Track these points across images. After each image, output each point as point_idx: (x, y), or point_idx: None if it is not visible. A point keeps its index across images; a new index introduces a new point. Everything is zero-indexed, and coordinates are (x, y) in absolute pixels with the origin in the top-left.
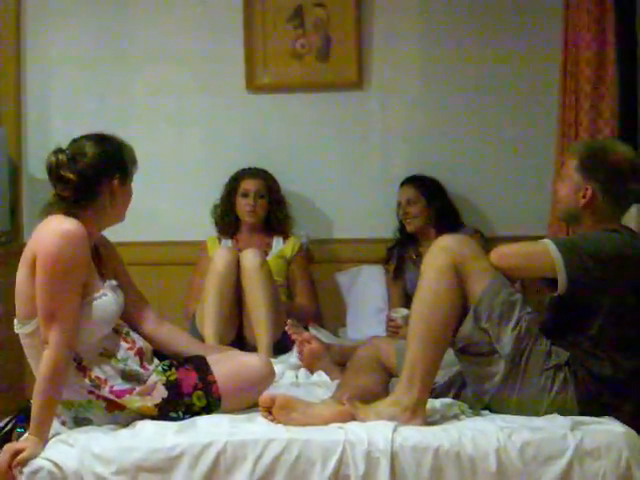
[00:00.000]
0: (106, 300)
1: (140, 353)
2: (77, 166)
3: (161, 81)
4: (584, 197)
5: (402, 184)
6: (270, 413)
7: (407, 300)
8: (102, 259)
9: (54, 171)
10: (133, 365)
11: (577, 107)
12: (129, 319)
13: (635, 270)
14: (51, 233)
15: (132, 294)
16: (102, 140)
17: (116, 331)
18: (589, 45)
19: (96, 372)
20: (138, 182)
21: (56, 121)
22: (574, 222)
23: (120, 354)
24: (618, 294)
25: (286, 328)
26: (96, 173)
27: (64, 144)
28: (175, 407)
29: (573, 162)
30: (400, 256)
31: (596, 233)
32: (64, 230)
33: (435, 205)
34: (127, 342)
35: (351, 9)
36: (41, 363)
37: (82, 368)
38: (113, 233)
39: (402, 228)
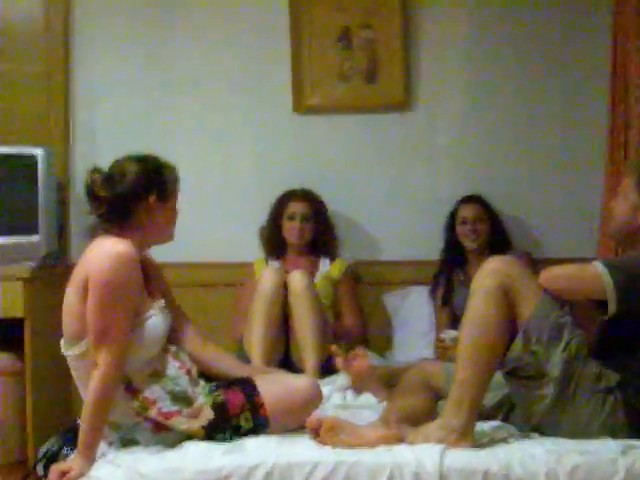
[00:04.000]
0: (156, 320)
1: (189, 373)
2: (112, 184)
3: (208, 103)
4: None
5: (465, 201)
6: (318, 435)
7: (455, 323)
8: (150, 279)
9: (88, 190)
10: (183, 384)
11: (626, 128)
12: (174, 340)
13: None
14: (104, 255)
15: (176, 314)
16: (141, 159)
17: (165, 351)
18: (638, 64)
19: (145, 393)
20: (185, 203)
21: (103, 143)
22: (627, 241)
23: (171, 373)
24: None
25: (332, 348)
26: (131, 191)
27: (109, 165)
28: (222, 429)
29: (629, 181)
30: (448, 280)
31: None
32: (116, 252)
33: (494, 226)
34: (177, 361)
35: (398, 30)
36: (90, 384)
37: (131, 389)
38: (160, 253)
39: (451, 248)
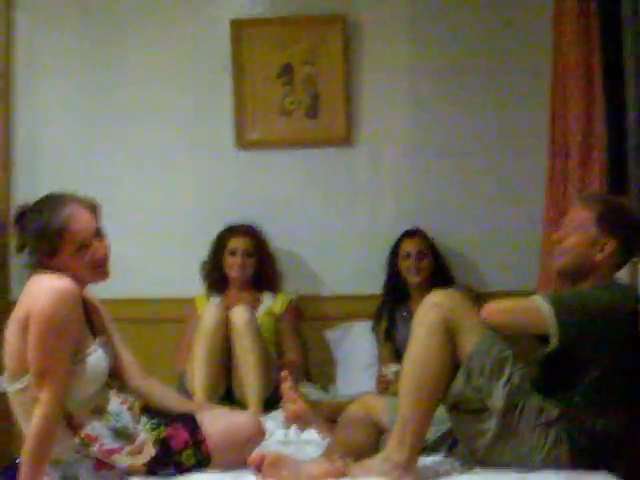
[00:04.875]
0: (97, 356)
1: (131, 409)
2: (28, 224)
3: (150, 135)
4: (601, 251)
5: (407, 236)
6: (260, 471)
7: (398, 357)
8: (91, 314)
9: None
10: (125, 420)
11: (566, 163)
12: (116, 375)
13: (625, 326)
14: (44, 291)
15: (119, 350)
16: (31, 218)
17: (107, 386)
18: (577, 95)
19: (86, 429)
20: (126, 237)
21: (44, 172)
22: (578, 275)
23: (112, 409)
24: (609, 350)
25: (281, 378)
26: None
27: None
28: (165, 465)
29: (589, 214)
30: (390, 314)
31: (587, 290)
32: (56, 288)
33: (436, 261)
34: (119, 397)
35: (340, 66)
36: (32, 421)
37: (72, 426)
38: (101, 288)
39: (394, 282)
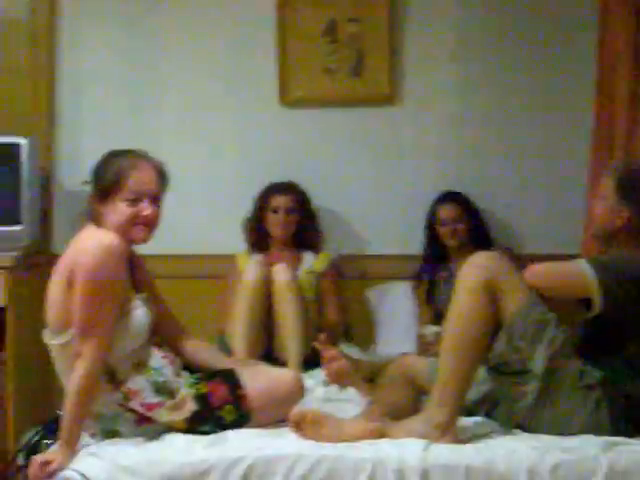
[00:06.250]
0: (140, 312)
1: (173, 364)
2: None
3: (193, 96)
4: (620, 218)
5: (443, 200)
6: (300, 429)
7: (438, 318)
8: (134, 270)
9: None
10: (166, 375)
11: (611, 125)
12: (157, 332)
13: None
14: (92, 246)
15: (160, 307)
16: (102, 157)
17: (148, 342)
18: (624, 61)
19: (128, 385)
20: (170, 195)
21: (88, 132)
22: (608, 241)
23: (154, 364)
24: None
25: (316, 344)
26: (93, 188)
27: (93, 156)
28: (205, 421)
29: (610, 182)
30: (430, 276)
31: (631, 253)
32: (105, 244)
33: (474, 223)
34: (161, 352)
35: (385, 24)
36: (74, 375)
37: (114, 381)
38: (143, 245)
39: (433, 246)
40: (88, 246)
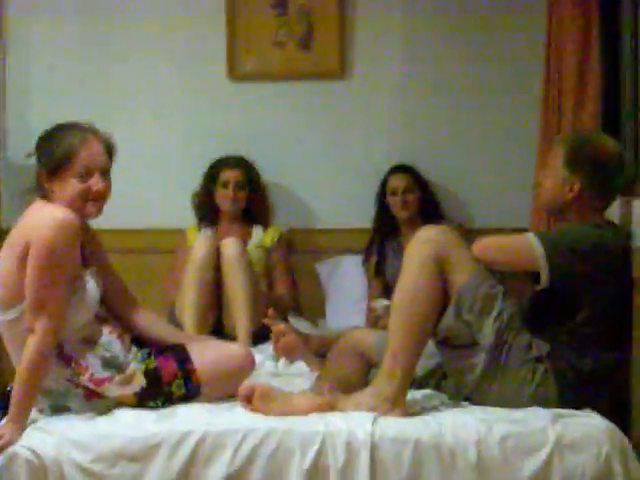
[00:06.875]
0: (89, 286)
1: (121, 338)
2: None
3: (142, 69)
4: (571, 191)
5: (394, 172)
6: (249, 403)
7: (388, 292)
8: (84, 245)
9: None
10: (115, 350)
11: (560, 99)
12: (107, 305)
13: (616, 265)
14: (46, 221)
15: (112, 280)
16: (47, 131)
17: (96, 317)
18: (573, 36)
19: (77, 360)
20: (118, 169)
21: (35, 106)
22: (558, 215)
23: (102, 339)
24: (598, 289)
25: (265, 320)
26: (38, 163)
27: (41, 129)
28: (154, 396)
29: (559, 155)
30: (380, 249)
31: (578, 227)
32: (59, 219)
33: (424, 195)
34: (109, 327)
35: None
36: (25, 350)
37: (63, 356)
38: (94, 220)
39: (383, 217)
40: (41, 221)
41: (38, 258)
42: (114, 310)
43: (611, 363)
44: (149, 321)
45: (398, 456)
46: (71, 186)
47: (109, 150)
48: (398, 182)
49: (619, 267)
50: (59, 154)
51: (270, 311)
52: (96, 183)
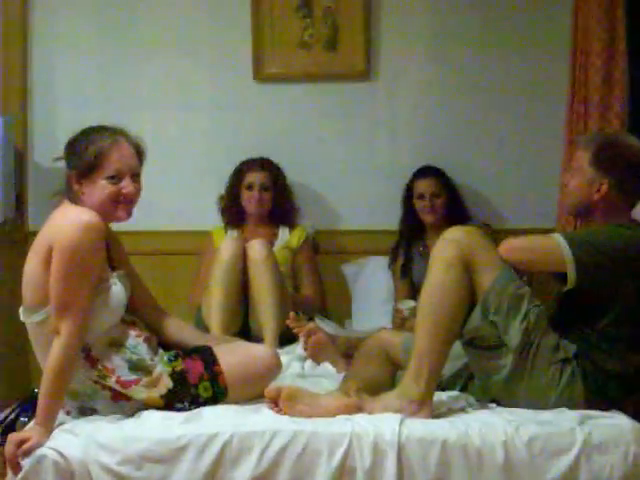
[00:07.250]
0: (116, 289)
1: (148, 342)
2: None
3: (168, 70)
4: (598, 191)
5: (421, 175)
6: (276, 404)
7: (414, 293)
8: (110, 248)
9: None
10: (142, 353)
11: (586, 100)
12: (132, 309)
13: None
14: (70, 223)
15: (135, 283)
16: (77, 133)
17: (123, 320)
18: (599, 37)
19: (104, 362)
20: (146, 172)
21: (62, 110)
22: (585, 216)
23: (129, 342)
24: (627, 290)
25: (287, 322)
26: (68, 166)
27: (68, 132)
28: (181, 398)
29: (585, 155)
30: (406, 251)
31: (606, 228)
32: (83, 221)
33: (451, 198)
34: (136, 330)
35: None
36: (51, 352)
37: (90, 358)
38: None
39: (409, 220)
40: (66, 223)
41: (62, 260)
42: (139, 314)
43: (638, 364)
44: (175, 325)
45: (425, 457)
46: (101, 188)
47: (139, 153)
48: (425, 186)
49: None
50: (90, 156)
51: (291, 313)
52: (127, 186)
